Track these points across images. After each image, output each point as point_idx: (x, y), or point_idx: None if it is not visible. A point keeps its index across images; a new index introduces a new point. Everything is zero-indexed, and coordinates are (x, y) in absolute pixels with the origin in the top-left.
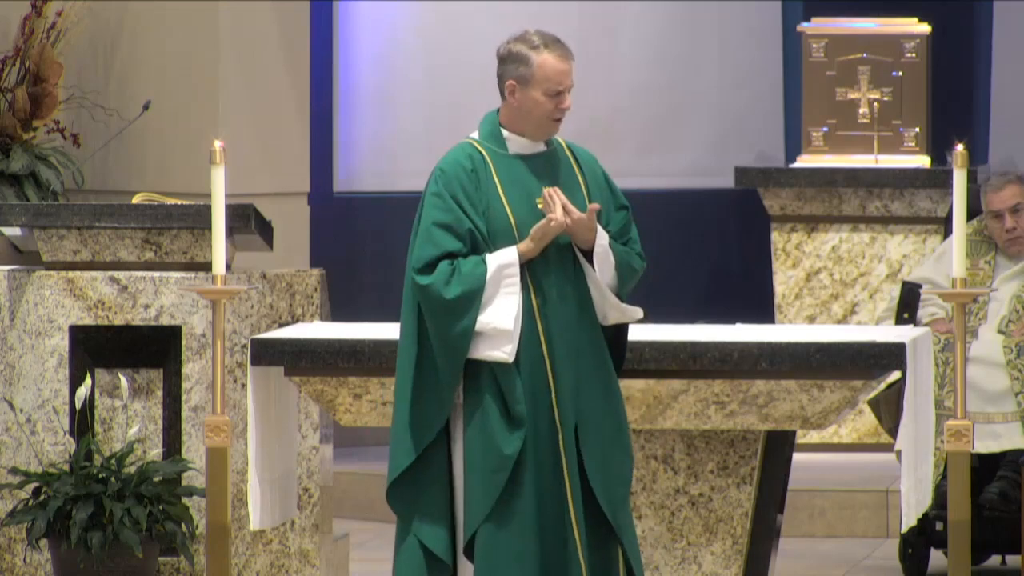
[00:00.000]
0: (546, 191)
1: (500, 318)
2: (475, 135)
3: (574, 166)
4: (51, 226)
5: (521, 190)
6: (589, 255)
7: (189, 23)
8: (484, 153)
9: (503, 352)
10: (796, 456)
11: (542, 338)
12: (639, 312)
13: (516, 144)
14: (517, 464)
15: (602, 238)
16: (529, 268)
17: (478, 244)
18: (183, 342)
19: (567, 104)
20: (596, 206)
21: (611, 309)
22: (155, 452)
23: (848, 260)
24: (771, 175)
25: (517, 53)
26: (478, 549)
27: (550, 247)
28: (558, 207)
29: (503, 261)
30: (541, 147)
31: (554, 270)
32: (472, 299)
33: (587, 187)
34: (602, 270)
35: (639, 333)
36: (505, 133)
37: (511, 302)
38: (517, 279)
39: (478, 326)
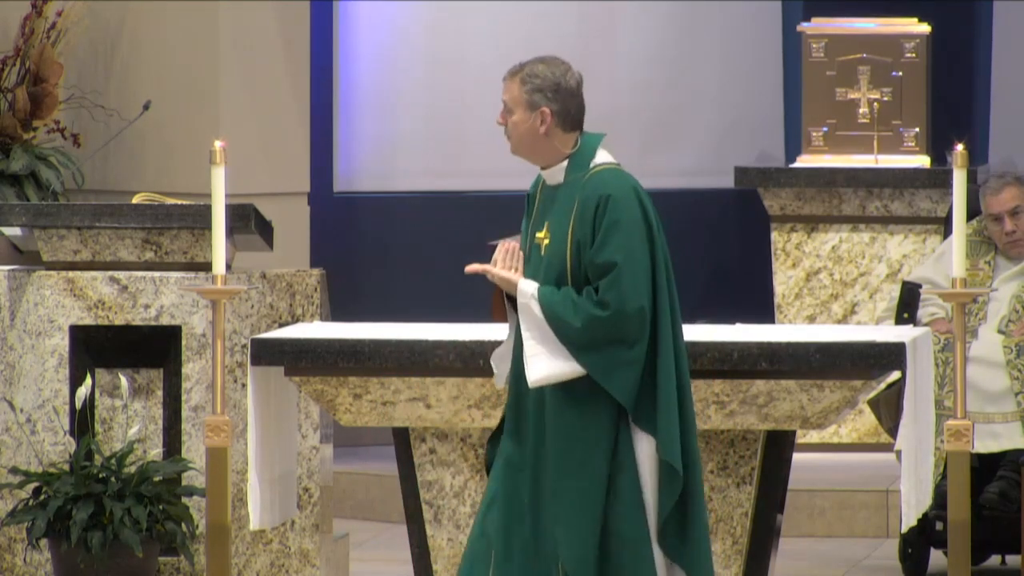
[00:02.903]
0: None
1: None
2: None
3: (575, 202)
4: (51, 226)
5: (537, 221)
6: None
7: (189, 23)
8: (544, 180)
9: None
10: (796, 456)
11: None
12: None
13: (546, 174)
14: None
15: (523, 292)
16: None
17: None
18: (183, 342)
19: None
20: (474, 267)
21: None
22: (155, 452)
23: (848, 260)
24: (771, 175)
25: None
26: None
27: (541, 266)
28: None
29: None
30: (558, 179)
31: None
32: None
33: (573, 227)
34: (523, 320)
35: None
36: None
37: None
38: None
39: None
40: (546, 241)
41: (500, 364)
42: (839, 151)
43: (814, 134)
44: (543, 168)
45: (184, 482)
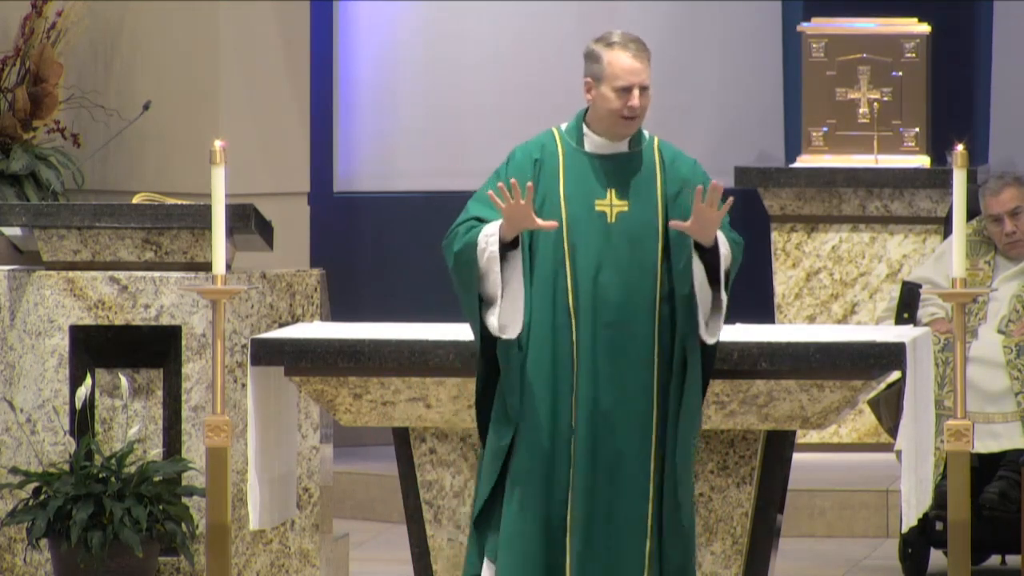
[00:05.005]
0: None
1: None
2: (564, 125)
3: (657, 170)
4: (51, 226)
5: (583, 188)
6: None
7: (189, 23)
8: (560, 145)
9: (491, 320)
10: (796, 456)
11: (574, 335)
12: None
13: (592, 142)
14: (521, 453)
15: (722, 242)
16: (575, 252)
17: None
18: (183, 342)
19: (635, 102)
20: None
21: (714, 319)
22: (155, 452)
23: (848, 260)
24: (771, 175)
25: (592, 51)
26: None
27: (611, 234)
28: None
29: (489, 230)
30: (621, 148)
31: (617, 264)
32: (470, 253)
33: (665, 192)
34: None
35: None
36: (585, 130)
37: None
38: (494, 250)
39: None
40: (622, 208)
41: (509, 318)
42: (839, 151)
43: (814, 134)
44: (622, 138)
45: (184, 482)
